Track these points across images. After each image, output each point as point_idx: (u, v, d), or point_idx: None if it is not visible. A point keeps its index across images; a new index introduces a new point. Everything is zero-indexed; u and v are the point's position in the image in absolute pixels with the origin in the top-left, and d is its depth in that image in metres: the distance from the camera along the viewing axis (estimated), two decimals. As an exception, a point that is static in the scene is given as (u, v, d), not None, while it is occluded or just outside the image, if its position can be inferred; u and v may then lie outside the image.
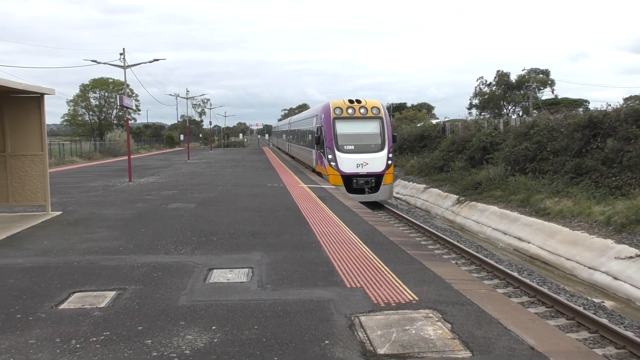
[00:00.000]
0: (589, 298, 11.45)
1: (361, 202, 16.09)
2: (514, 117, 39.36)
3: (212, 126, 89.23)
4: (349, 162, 22.11)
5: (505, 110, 65.73)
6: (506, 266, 13.43)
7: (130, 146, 24.83)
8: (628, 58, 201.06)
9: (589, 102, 58.86)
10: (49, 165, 13.42)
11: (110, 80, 71.51)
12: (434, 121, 48.78)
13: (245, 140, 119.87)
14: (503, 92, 65.71)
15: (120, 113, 69.46)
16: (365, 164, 22.09)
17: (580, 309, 9.87)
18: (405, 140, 39.38)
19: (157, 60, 32.65)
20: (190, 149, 46.69)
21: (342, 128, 22.78)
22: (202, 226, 10.74)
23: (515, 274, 12.20)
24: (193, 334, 4.95)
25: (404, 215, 20.60)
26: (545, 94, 65.98)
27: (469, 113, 65.72)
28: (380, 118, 23.07)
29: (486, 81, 67.65)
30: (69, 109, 72.93)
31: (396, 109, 79.19)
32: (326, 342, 4.74)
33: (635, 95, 29.81)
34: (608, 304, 11.24)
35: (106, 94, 72.63)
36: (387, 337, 4.83)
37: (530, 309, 9.98)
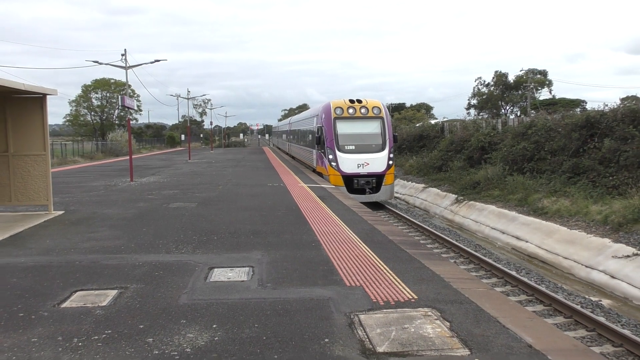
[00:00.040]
0: (587, 296, 11.51)
1: (361, 202, 16.12)
2: (512, 117, 39.39)
3: (212, 126, 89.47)
4: (349, 162, 21.99)
5: (503, 111, 65.81)
6: (504, 265, 13.48)
7: (131, 146, 24.86)
8: (624, 59, 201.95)
9: (586, 103, 58.96)
10: (51, 165, 13.48)
11: (112, 80, 71.67)
12: (432, 121, 48.76)
13: (246, 140, 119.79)
14: (501, 92, 65.80)
15: (122, 113, 69.56)
16: (366, 164, 21.97)
17: (578, 307, 9.92)
18: (404, 140, 39.42)
19: (158, 61, 32.77)
20: (191, 149, 46.74)
21: (342, 128, 22.65)
22: (202, 225, 10.79)
23: (514, 273, 12.26)
24: (194, 332, 4.99)
25: (403, 215, 20.64)
26: (543, 94, 66.17)
27: (468, 113, 65.96)
28: (381, 118, 22.94)
29: (484, 82, 67.79)
30: (71, 109, 73.37)
31: (395, 109, 79.11)
32: (326, 340, 4.78)
33: (632, 96, 29.87)
34: (605, 302, 11.31)
35: (108, 94, 72.85)
36: (386, 336, 4.87)
37: (528, 307, 10.04)
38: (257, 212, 12.44)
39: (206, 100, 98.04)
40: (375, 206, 21.63)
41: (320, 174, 24.01)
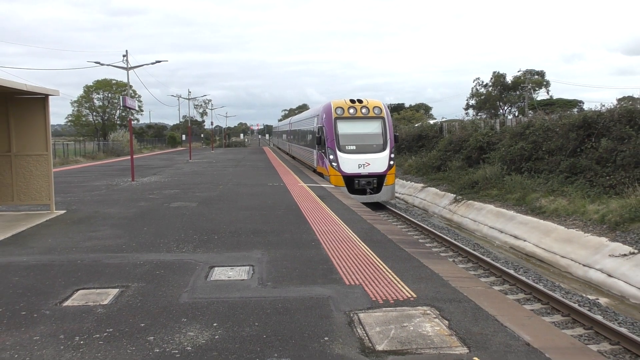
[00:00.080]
0: (584, 295, 11.56)
1: (362, 203, 16.11)
2: (510, 117, 39.51)
3: (213, 126, 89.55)
4: (350, 163, 21.85)
5: (501, 111, 65.93)
6: (502, 264, 13.54)
7: (133, 146, 24.89)
8: (621, 59, 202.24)
9: (583, 103, 59.17)
10: (53, 164, 13.53)
11: (114, 81, 71.83)
12: (431, 121, 48.84)
13: (246, 140, 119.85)
14: (499, 92, 65.94)
15: (124, 114, 69.71)
16: (367, 164, 21.84)
17: (575, 305, 9.97)
18: (403, 140, 39.43)
19: (159, 61, 32.92)
20: (192, 149, 46.76)
21: (343, 128, 22.50)
22: (203, 225, 10.83)
23: (512, 272, 12.31)
24: (194, 330, 5.02)
25: (402, 214, 20.68)
26: (541, 95, 66.37)
27: (466, 113, 66.22)
28: (382, 118, 22.79)
29: (482, 82, 67.96)
30: (73, 110, 73.59)
31: (394, 110, 79.16)
32: (326, 338, 4.82)
33: (628, 96, 29.92)
34: (602, 300, 11.36)
35: (109, 94, 73.01)
36: (385, 334, 4.90)
37: (526, 305, 10.10)
38: (257, 212, 12.48)
39: (207, 101, 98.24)
40: (375, 206, 21.64)
41: (320, 174, 23.90)
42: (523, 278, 11.81)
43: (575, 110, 42.72)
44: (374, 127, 22.75)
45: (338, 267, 7.33)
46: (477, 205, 21.20)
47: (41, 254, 8.35)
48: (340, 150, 22.13)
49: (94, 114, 73.94)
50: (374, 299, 5.94)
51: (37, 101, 12.02)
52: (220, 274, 7.06)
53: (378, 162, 21.99)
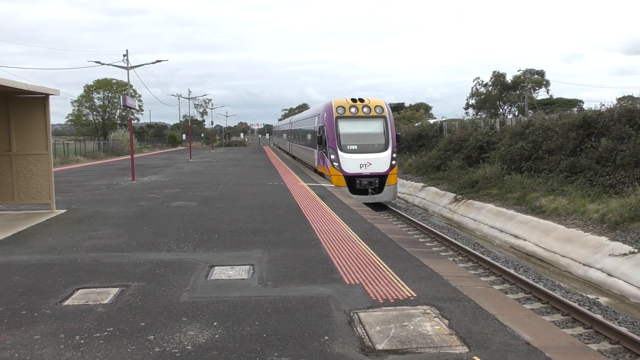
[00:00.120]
0: (584, 294, 11.57)
1: (364, 203, 16.04)
2: (509, 117, 39.46)
3: (213, 126, 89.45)
4: (352, 163, 21.69)
5: (501, 110, 65.93)
6: (503, 263, 13.55)
7: (133, 145, 24.91)
8: (621, 59, 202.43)
9: (583, 102, 59.16)
10: (54, 164, 13.55)
11: (114, 81, 71.80)
12: (431, 121, 48.86)
13: (247, 139, 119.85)
14: (499, 92, 65.95)
15: (124, 113, 69.65)
16: (368, 164, 21.67)
17: (575, 305, 9.98)
18: (404, 140, 39.40)
19: (159, 61, 32.77)
20: (192, 148, 46.78)
21: (344, 127, 22.31)
22: (203, 224, 10.84)
23: (512, 271, 12.33)
24: (195, 329, 5.03)
25: (402, 213, 20.69)
26: (541, 94, 66.37)
27: (466, 113, 66.23)
28: (384, 117, 22.61)
29: (482, 82, 67.96)
30: (73, 109, 73.57)
31: (394, 109, 78.94)
32: (326, 337, 4.82)
33: (628, 96, 29.84)
34: (602, 300, 11.37)
35: (110, 94, 73.01)
36: (385, 333, 4.90)
37: (526, 305, 10.11)
38: (257, 211, 12.49)
39: (207, 100, 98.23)
40: (376, 205, 21.60)
41: (321, 174, 23.74)
42: (523, 277, 11.83)
43: (575, 109, 42.76)
44: (376, 127, 22.57)
45: (338, 267, 7.33)
46: (477, 204, 21.21)
47: (42, 253, 8.35)
48: (341, 150, 21.94)
49: (95, 113, 73.98)
50: (374, 298, 5.94)
51: (37, 101, 12.04)
52: (221, 273, 7.07)
53: (380, 161, 21.82)
